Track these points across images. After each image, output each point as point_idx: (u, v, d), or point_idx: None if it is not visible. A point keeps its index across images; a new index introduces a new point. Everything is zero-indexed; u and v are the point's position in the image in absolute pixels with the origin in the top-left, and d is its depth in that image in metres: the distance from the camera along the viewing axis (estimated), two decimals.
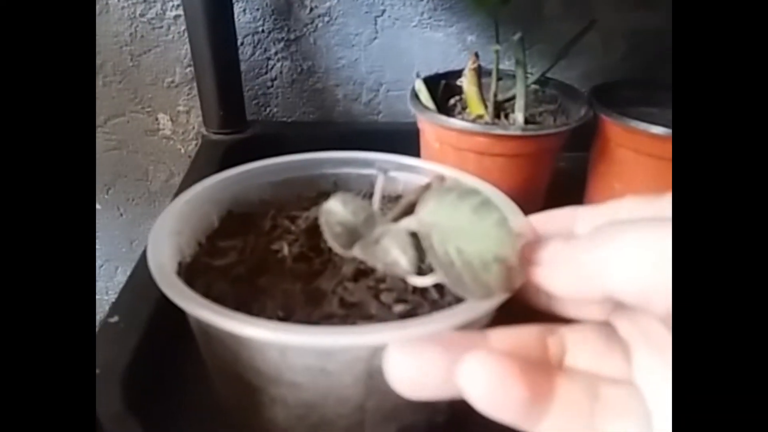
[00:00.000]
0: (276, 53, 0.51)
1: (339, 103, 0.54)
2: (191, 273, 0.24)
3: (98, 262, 0.61)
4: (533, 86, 0.39)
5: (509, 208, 0.26)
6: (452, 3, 0.49)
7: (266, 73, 0.52)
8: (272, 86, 0.53)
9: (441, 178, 0.22)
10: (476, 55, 0.36)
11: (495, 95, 0.36)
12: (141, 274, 0.29)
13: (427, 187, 0.22)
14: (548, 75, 0.39)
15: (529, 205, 0.24)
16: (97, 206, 0.57)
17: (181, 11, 0.47)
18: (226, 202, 0.29)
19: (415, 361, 0.17)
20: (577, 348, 0.20)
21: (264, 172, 0.30)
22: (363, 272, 0.24)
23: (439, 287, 0.23)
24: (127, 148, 0.54)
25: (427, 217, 0.19)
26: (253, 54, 0.51)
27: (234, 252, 0.26)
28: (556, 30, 0.51)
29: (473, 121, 0.36)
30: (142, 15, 0.48)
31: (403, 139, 0.40)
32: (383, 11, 0.50)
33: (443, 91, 0.39)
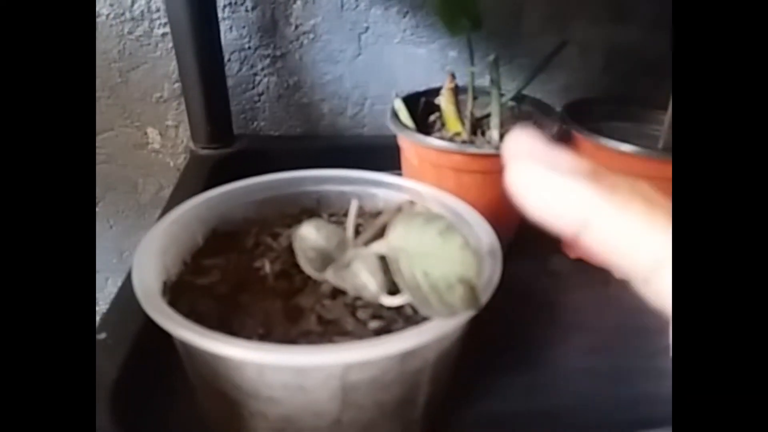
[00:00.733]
0: (263, 69, 0.52)
1: (325, 117, 0.55)
2: (176, 292, 0.25)
3: None
4: (510, 103, 0.40)
5: (481, 228, 0.27)
6: (434, 20, 0.51)
7: (253, 88, 0.53)
8: (259, 101, 0.54)
9: (411, 203, 0.23)
10: (452, 75, 0.37)
11: (472, 114, 0.37)
12: (128, 291, 0.29)
13: (399, 210, 0.23)
14: (527, 89, 0.40)
15: (506, 219, 0.25)
16: None
17: (168, 29, 0.48)
18: (212, 220, 0.30)
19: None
20: None
21: (248, 191, 0.31)
22: (340, 290, 0.25)
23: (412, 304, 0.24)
24: (116, 162, 0.55)
25: (395, 241, 0.20)
26: (240, 70, 0.52)
27: (217, 270, 0.27)
28: (534, 46, 0.52)
29: (451, 139, 0.37)
30: (130, 33, 0.49)
31: (387, 151, 0.42)
32: (367, 28, 0.51)
33: (423, 108, 0.40)
